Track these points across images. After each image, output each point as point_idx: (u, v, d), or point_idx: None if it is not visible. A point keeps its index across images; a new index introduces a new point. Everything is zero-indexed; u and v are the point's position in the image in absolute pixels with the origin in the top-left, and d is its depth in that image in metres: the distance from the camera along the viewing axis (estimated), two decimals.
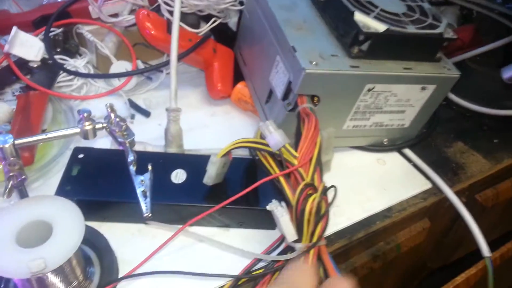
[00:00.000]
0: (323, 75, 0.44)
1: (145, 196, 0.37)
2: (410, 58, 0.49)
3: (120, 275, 0.39)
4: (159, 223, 0.40)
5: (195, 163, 0.47)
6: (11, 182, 0.35)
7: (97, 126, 0.37)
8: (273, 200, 0.40)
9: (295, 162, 0.40)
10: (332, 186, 0.40)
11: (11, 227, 0.33)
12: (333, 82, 0.45)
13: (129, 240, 0.43)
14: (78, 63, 0.59)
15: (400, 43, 0.48)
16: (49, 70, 0.56)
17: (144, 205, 0.37)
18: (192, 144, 0.53)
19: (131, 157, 0.37)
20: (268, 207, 0.40)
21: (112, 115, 0.37)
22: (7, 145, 0.33)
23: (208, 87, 0.61)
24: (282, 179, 0.39)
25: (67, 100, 0.55)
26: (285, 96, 0.48)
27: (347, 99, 0.49)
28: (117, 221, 0.44)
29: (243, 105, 0.60)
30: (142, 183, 0.38)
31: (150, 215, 0.37)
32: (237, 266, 0.41)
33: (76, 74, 0.56)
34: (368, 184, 0.53)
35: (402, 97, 0.51)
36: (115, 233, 0.42)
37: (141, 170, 0.42)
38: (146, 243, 0.43)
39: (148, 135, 0.53)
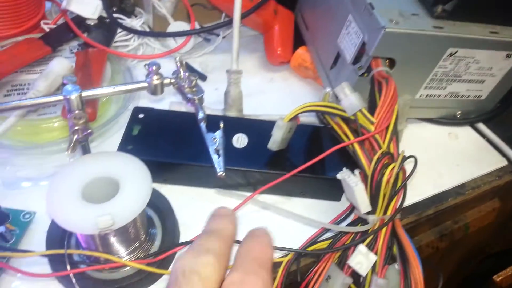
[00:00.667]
0: (403, 35, 0.40)
1: (218, 154, 0.35)
2: (496, 22, 0.45)
3: (180, 239, 0.38)
4: (225, 189, 0.38)
5: (256, 128, 0.44)
6: (75, 136, 0.34)
7: (165, 81, 0.35)
8: (344, 169, 0.37)
9: (372, 128, 0.37)
10: (412, 156, 0.37)
11: (77, 181, 0.32)
12: (413, 44, 0.41)
13: (188, 204, 0.41)
14: (134, 23, 0.57)
15: (487, 3, 0.43)
16: (106, 29, 0.54)
17: (217, 164, 0.35)
18: (249, 110, 0.50)
19: (201, 114, 0.35)
20: (339, 176, 0.37)
21: (182, 70, 0.34)
22: (74, 97, 0.32)
23: (267, 52, 0.58)
24: (357, 146, 0.36)
25: (123, 61, 0.54)
26: (356, 60, 0.45)
27: (425, 64, 0.44)
28: (177, 184, 0.42)
29: (303, 72, 0.57)
30: (214, 141, 0.35)
31: (224, 173, 0.35)
32: (301, 236, 0.38)
33: (135, 32, 0.54)
34: (439, 159, 0.49)
35: (484, 64, 0.46)
36: (174, 195, 0.41)
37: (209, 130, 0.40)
38: (205, 207, 0.41)
39: (205, 100, 0.51)
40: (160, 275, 0.36)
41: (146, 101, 0.51)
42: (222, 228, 0.27)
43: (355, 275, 0.35)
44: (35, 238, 0.37)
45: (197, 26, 0.58)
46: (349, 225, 0.38)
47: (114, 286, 0.34)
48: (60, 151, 0.43)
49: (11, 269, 0.31)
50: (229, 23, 0.54)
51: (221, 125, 0.38)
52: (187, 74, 0.34)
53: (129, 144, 0.41)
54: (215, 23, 0.56)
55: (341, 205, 0.43)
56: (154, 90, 0.35)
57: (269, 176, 0.40)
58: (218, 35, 0.61)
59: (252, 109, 0.51)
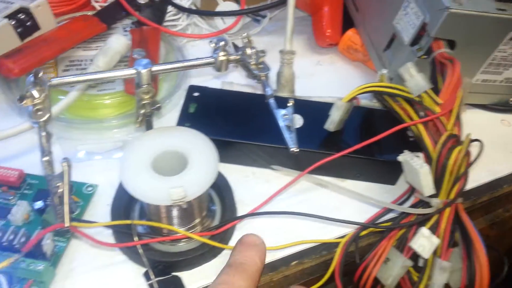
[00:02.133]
0: (466, 17, 0.39)
1: (289, 130, 0.35)
2: None
3: (238, 215, 0.38)
4: (282, 168, 0.38)
5: (310, 109, 0.44)
6: (143, 110, 0.34)
7: (232, 57, 0.35)
8: (406, 151, 0.37)
9: (437, 109, 0.36)
10: (477, 139, 0.36)
11: (147, 154, 0.32)
12: (475, 26, 0.40)
13: (243, 182, 0.42)
14: (183, 3, 0.57)
15: None
16: (156, 9, 0.54)
17: (290, 140, 0.35)
18: (298, 92, 0.50)
19: (269, 91, 0.35)
20: (401, 158, 0.37)
21: (249, 46, 0.34)
22: (144, 70, 0.32)
23: (316, 33, 0.57)
24: (422, 128, 0.36)
25: (173, 40, 0.54)
26: (415, 41, 0.44)
27: (485, 48, 0.44)
28: (232, 163, 0.43)
29: (352, 54, 0.56)
30: (285, 117, 0.35)
31: (298, 149, 0.35)
32: (358, 216, 0.38)
33: (187, 10, 0.54)
34: (492, 146, 0.48)
35: None
36: (230, 174, 0.41)
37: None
38: (260, 186, 0.42)
39: (250, 81, 0.51)
40: (220, 250, 0.36)
41: (194, 80, 0.51)
42: (250, 263, 0.26)
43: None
44: (98, 210, 0.38)
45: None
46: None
47: (178, 258, 0.34)
48: (117, 127, 0.44)
49: (86, 236, 0.31)
50: (280, 3, 0.54)
51: (291, 102, 0.38)
52: (254, 50, 0.34)
53: (186, 121, 0.42)
54: (265, 4, 0.55)
55: (396, 189, 0.42)
56: (220, 67, 0.35)
57: (323, 156, 0.39)
58: (265, 16, 0.60)
59: (301, 91, 0.51)
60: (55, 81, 0.30)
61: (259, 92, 0.48)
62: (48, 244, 0.32)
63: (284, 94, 0.47)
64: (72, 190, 0.38)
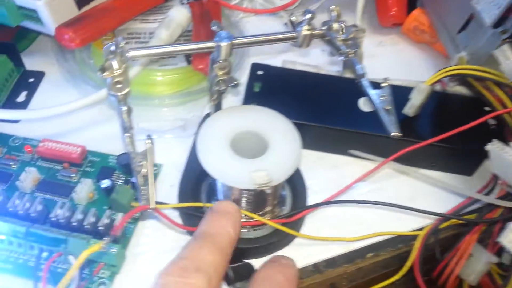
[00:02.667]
0: None
1: (388, 113, 0.32)
2: None
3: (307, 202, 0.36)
4: (363, 153, 0.35)
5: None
6: (219, 87, 0.32)
7: (316, 32, 0.32)
8: (495, 140, 0.34)
9: None
10: None
11: (225, 134, 0.30)
12: None
13: (311, 168, 0.39)
14: None
15: None
16: None
17: (390, 124, 0.32)
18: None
19: (360, 70, 0.32)
20: (489, 147, 0.34)
21: (336, 20, 0.32)
22: (225, 44, 0.30)
23: (380, 12, 0.54)
24: None
25: (228, 16, 0.51)
26: (498, 23, 0.40)
27: None
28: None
29: (418, 36, 0.53)
30: (382, 99, 0.33)
31: (400, 134, 0.33)
32: (435, 208, 0.36)
33: None
34: None
35: None
36: None
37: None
38: (328, 171, 0.40)
39: (312, 60, 0.48)
40: (292, 238, 0.34)
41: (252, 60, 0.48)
42: (219, 233, 0.22)
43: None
44: (163, 191, 0.36)
45: None
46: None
47: (252, 245, 0.32)
48: (178, 104, 0.42)
49: (167, 218, 0.29)
50: None
51: (386, 83, 0.35)
52: (342, 24, 0.32)
53: (252, 101, 0.39)
54: None
55: (473, 180, 0.40)
56: (302, 42, 0.32)
57: (401, 143, 0.37)
58: None
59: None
60: (134, 52, 0.28)
61: (322, 72, 0.46)
62: (121, 225, 0.31)
63: (352, 75, 0.44)
64: None
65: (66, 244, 0.29)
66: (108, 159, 0.37)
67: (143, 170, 0.28)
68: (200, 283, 0.19)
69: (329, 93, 0.41)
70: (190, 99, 0.42)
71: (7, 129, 0.39)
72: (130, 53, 0.27)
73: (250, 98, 0.40)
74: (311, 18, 0.32)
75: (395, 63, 0.52)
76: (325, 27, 0.32)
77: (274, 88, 0.41)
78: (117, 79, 0.27)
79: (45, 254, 0.30)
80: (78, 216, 0.30)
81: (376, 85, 0.37)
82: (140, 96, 0.41)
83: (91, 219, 0.30)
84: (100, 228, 0.30)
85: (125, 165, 0.35)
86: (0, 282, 0.30)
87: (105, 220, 0.30)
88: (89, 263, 0.30)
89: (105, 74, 0.26)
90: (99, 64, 0.43)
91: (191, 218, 0.33)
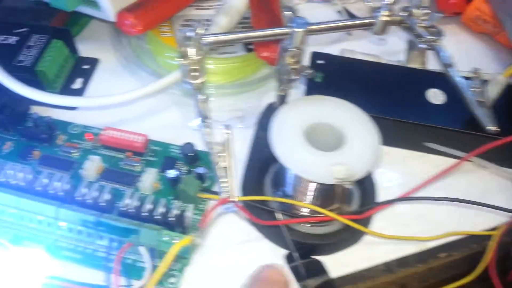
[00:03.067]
0: None
1: (482, 106, 0.31)
2: None
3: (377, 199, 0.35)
4: (441, 146, 0.34)
5: (450, 83, 0.39)
6: (288, 76, 0.31)
7: (395, 18, 0.30)
8: None
9: None
10: None
11: (299, 126, 0.29)
12: None
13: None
14: None
15: None
16: None
17: (487, 117, 0.30)
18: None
19: (446, 58, 0.30)
20: None
21: (418, 6, 0.30)
22: (301, 30, 0.28)
23: (439, 0, 0.52)
24: None
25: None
26: None
27: None
28: None
29: (479, 25, 0.51)
30: (475, 90, 0.31)
31: (498, 129, 0.31)
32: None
33: None
34: None
35: None
36: None
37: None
38: (396, 167, 0.38)
39: (371, 49, 0.46)
40: (361, 236, 0.33)
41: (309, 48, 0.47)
42: None
43: None
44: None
45: None
46: None
47: (321, 241, 0.31)
48: (236, 94, 0.41)
49: (244, 211, 0.28)
50: None
51: (475, 74, 0.33)
52: (425, 11, 0.30)
53: (315, 91, 0.38)
54: None
55: None
56: (379, 28, 0.31)
57: (477, 138, 0.35)
58: None
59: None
60: (209, 38, 0.26)
61: (383, 61, 0.44)
62: (189, 218, 0.30)
63: (415, 65, 0.42)
64: (198, 159, 0.35)
65: (138, 235, 0.29)
66: (169, 148, 0.36)
67: (223, 162, 0.27)
68: None
69: (394, 84, 0.39)
70: (247, 89, 0.41)
71: (64, 116, 0.39)
72: (206, 39, 0.26)
73: (313, 88, 0.38)
74: (392, 3, 0.30)
75: (455, 53, 0.49)
76: (405, 13, 0.31)
77: (337, 78, 0.39)
78: (193, 67, 0.26)
79: (114, 244, 0.30)
80: (148, 206, 0.30)
81: (411, 80, 0.35)
82: None
83: (160, 209, 0.30)
84: (170, 219, 0.29)
85: (189, 155, 0.35)
86: (69, 272, 0.29)
87: (175, 211, 0.29)
88: (162, 254, 0.29)
89: (184, 61, 0.25)
90: (155, 51, 0.42)
91: (255, 211, 0.32)
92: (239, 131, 0.39)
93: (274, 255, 0.32)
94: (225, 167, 0.27)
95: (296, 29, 0.28)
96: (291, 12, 0.29)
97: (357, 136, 0.29)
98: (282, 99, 0.34)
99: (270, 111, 0.38)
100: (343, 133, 0.29)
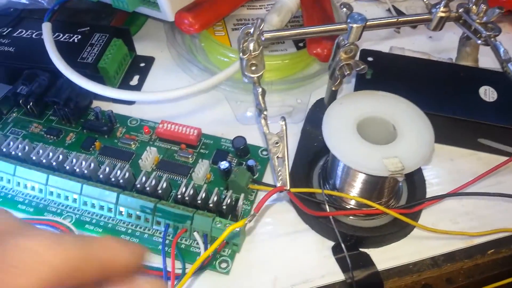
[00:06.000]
0: None
1: None
2: None
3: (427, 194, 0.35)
4: (494, 143, 0.33)
5: (502, 81, 0.39)
6: (341, 72, 0.31)
7: (453, 14, 0.30)
8: None
9: None
10: None
11: (351, 119, 0.30)
12: None
13: None
14: None
15: None
16: None
17: None
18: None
19: (505, 54, 0.30)
20: None
21: (475, 2, 0.30)
22: (358, 26, 0.29)
23: None
24: None
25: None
26: None
27: None
28: None
29: None
30: None
31: None
32: None
33: None
34: None
35: None
36: None
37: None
38: (445, 164, 0.38)
39: (419, 47, 0.46)
40: (409, 231, 0.33)
41: None
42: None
43: None
44: (272, 176, 0.36)
45: None
46: None
47: (369, 234, 0.32)
48: (284, 90, 0.42)
49: (296, 201, 0.29)
50: None
51: None
52: (483, 7, 0.30)
53: (364, 88, 0.38)
54: None
55: None
56: (436, 24, 0.31)
57: None
58: None
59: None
60: (269, 34, 0.28)
61: (433, 58, 0.44)
62: (240, 207, 0.31)
63: (466, 62, 0.42)
64: (248, 152, 0.37)
65: (192, 221, 0.30)
66: (220, 142, 0.38)
67: (279, 153, 0.28)
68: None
69: (445, 81, 0.39)
70: (296, 85, 0.42)
71: (122, 110, 0.41)
72: (266, 35, 0.28)
73: (362, 85, 0.39)
74: (449, 1, 0.30)
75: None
76: (461, 9, 0.31)
77: (387, 75, 0.40)
78: (252, 61, 0.27)
79: (170, 230, 0.31)
80: (202, 194, 0.31)
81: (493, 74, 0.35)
82: None
83: (214, 198, 0.31)
84: (223, 207, 0.31)
85: (239, 148, 0.36)
86: None
87: (227, 200, 0.31)
88: (213, 240, 0.30)
89: (244, 56, 0.26)
90: (208, 49, 0.44)
91: (303, 202, 0.33)
92: (287, 126, 0.40)
93: (321, 246, 0.33)
94: (280, 157, 0.28)
95: (354, 25, 0.29)
96: (346, 9, 0.30)
97: (411, 130, 0.29)
98: (333, 95, 0.35)
99: (319, 107, 0.39)
100: (395, 127, 0.29)
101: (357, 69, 0.31)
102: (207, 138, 0.38)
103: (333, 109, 0.30)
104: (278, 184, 0.28)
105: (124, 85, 0.44)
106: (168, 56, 0.47)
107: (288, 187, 0.28)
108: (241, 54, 0.26)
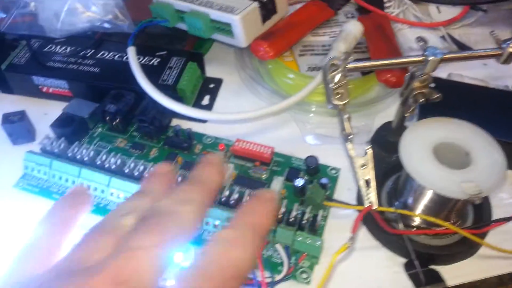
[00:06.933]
0: None
1: None
2: None
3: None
4: None
5: None
6: (414, 100, 0.34)
7: None
8: None
9: None
10: None
11: (427, 144, 0.32)
12: None
13: None
14: None
15: None
16: None
17: None
18: None
19: None
20: None
21: None
22: (435, 58, 0.31)
23: None
24: None
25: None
26: None
27: None
28: None
29: None
30: None
31: None
32: None
33: None
34: None
35: None
36: None
37: None
38: (506, 187, 0.39)
39: (474, 72, 0.48)
40: (476, 250, 0.35)
41: None
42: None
43: None
44: (342, 194, 0.39)
45: None
46: None
47: (441, 252, 0.34)
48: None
49: (379, 220, 0.31)
50: None
51: None
52: None
53: (428, 114, 0.40)
54: None
55: None
56: (506, 59, 0.33)
57: None
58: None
59: None
60: (355, 64, 0.30)
61: (491, 86, 0.46)
62: (319, 222, 0.34)
63: None
64: (318, 171, 0.39)
65: (274, 234, 0.33)
66: (291, 160, 0.41)
67: (366, 176, 0.30)
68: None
69: (504, 108, 0.41)
70: (361, 108, 0.44)
71: (195, 128, 0.44)
72: (351, 65, 0.30)
73: (426, 110, 0.41)
74: None
75: None
76: None
77: (449, 101, 0.41)
78: (338, 90, 0.30)
79: None
80: (282, 209, 0.34)
81: None
82: (318, 104, 0.44)
83: (293, 213, 0.34)
84: (303, 222, 0.33)
85: (311, 167, 0.39)
86: None
87: (307, 215, 0.33)
88: (295, 253, 0.33)
89: (331, 85, 0.29)
90: (276, 73, 0.47)
91: (370, 219, 0.35)
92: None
93: (392, 263, 0.35)
94: (366, 180, 0.30)
95: (431, 57, 0.32)
96: (422, 42, 0.32)
97: (484, 155, 0.31)
98: (401, 120, 0.37)
99: (385, 129, 0.41)
100: (469, 152, 0.32)
101: (432, 97, 0.33)
102: (278, 156, 0.41)
103: (410, 134, 0.33)
104: (366, 204, 0.30)
105: (197, 104, 0.48)
106: (235, 78, 0.50)
107: (376, 207, 0.30)
108: (330, 84, 0.29)
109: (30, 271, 0.20)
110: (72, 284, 0.17)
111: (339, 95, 0.30)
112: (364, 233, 0.36)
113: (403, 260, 0.35)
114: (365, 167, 0.31)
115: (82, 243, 0.20)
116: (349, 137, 0.31)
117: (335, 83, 0.30)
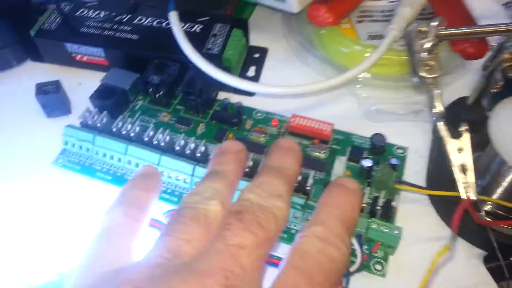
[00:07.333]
0: None
1: None
2: None
3: None
4: None
5: None
6: (502, 74, 0.30)
7: None
8: None
9: None
10: None
11: None
12: None
13: None
14: None
15: None
16: None
17: None
18: None
19: None
20: None
21: None
22: None
23: None
24: None
25: None
26: None
27: None
28: None
29: None
30: None
31: None
32: None
33: None
34: None
35: None
36: None
37: None
38: None
39: None
40: None
41: None
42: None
43: None
44: (410, 176, 0.35)
45: None
46: None
47: None
48: (412, 87, 0.40)
49: (472, 211, 0.28)
50: None
51: None
52: None
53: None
54: None
55: None
56: None
57: None
58: None
59: None
60: (446, 31, 0.27)
61: None
62: (395, 208, 0.31)
63: None
64: (385, 150, 0.36)
65: None
66: (351, 138, 0.37)
67: (459, 160, 0.27)
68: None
69: None
70: None
71: (243, 101, 0.41)
72: (442, 32, 0.26)
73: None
74: None
75: None
76: None
77: None
78: (427, 62, 0.26)
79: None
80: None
81: None
82: (377, 77, 0.40)
83: (365, 198, 0.31)
84: (377, 208, 0.30)
85: (376, 146, 0.35)
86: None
87: (381, 200, 0.30)
88: (368, 242, 0.30)
89: (421, 55, 0.25)
90: (331, 40, 0.43)
91: (444, 206, 0.32)
92: (416, 124, 0.39)
93: (469, 254, 0.32)
94: (463, 165, 0.27)
95: None
96: None
97: None
98: (480, 96, 0.34)
99: (459, 105, 0.37)
100: None
101: None
102: (337, 133, 0.38)
103: (501, 112, 0.29)
104: (463, 195, 0.27)
105: (243, 76, 0.44)
106: (281, 46, 0.46)
107: (475, 197, 0.27)
108: (418, 53, 0.25)
109: (111, 260, 0.18)
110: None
111: (429, 67, 0.26)
112: (436, 221, 0.33)
113: (480, 251, 0.32)
114: (461, 151, 0.27)
115: (170, 231, 0.18)
116: (442, 116, 0.27)
117: (425, 53, 0.26)
